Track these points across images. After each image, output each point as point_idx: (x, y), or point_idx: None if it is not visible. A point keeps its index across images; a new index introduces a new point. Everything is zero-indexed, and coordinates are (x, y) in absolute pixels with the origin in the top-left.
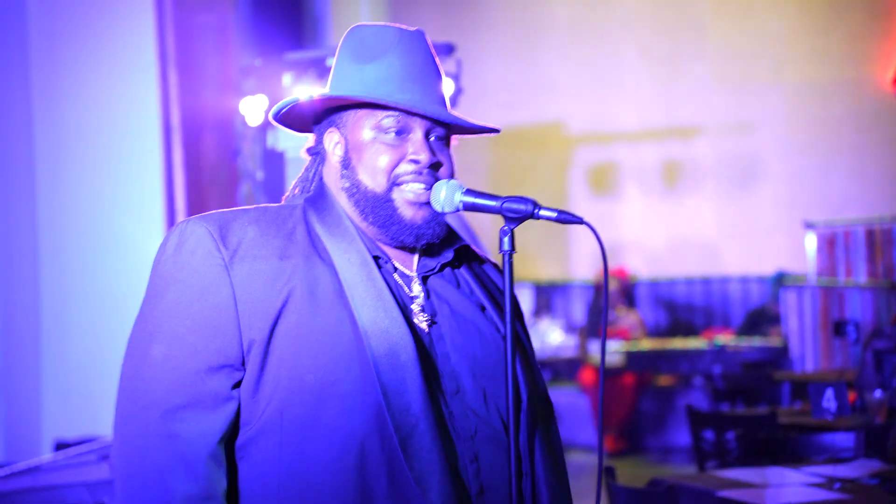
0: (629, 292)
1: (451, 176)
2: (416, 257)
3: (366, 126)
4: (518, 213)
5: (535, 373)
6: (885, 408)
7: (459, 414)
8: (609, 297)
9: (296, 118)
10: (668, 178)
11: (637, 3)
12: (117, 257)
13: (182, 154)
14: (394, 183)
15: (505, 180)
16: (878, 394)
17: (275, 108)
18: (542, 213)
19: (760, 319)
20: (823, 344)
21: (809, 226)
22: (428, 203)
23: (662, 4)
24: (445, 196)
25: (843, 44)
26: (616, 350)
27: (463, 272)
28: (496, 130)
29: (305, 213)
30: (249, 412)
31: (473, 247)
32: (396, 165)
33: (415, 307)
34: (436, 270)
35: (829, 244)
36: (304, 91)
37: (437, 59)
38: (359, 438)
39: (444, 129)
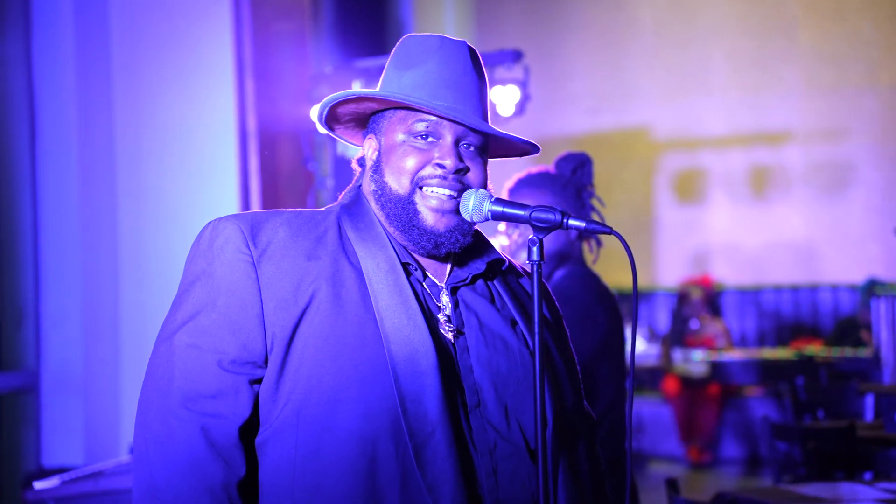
0: (714, 301)
1: (482, 185)
2: (448, 267)
3: (398, 130)
4: (547, 222)
5: (563, 390)
6: None
7: (478, 428)
8: (695, 305)
9: (349, 127)
10: (756, 184)
11: (725, 5)
12: None
13: (257, 160)
14: (417, 185)
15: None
16: None
17: (314, 116)
18: (571, 222)
19: (851, 329)
20: None
21: None
22: (453, 211)
23: (751, 6)
24: (474, 205)
25: None
26: (700, 360)
27: (497, 285)
28: (535, 147)
29: (339, 218)
30: (268, 410)
31: (510, 259)
32: (421, 168)
33: (441, 317)
34: (467, 281)
35: None
36: None
37: (478, 70)
38: (373, 443)
39: (480, 138)
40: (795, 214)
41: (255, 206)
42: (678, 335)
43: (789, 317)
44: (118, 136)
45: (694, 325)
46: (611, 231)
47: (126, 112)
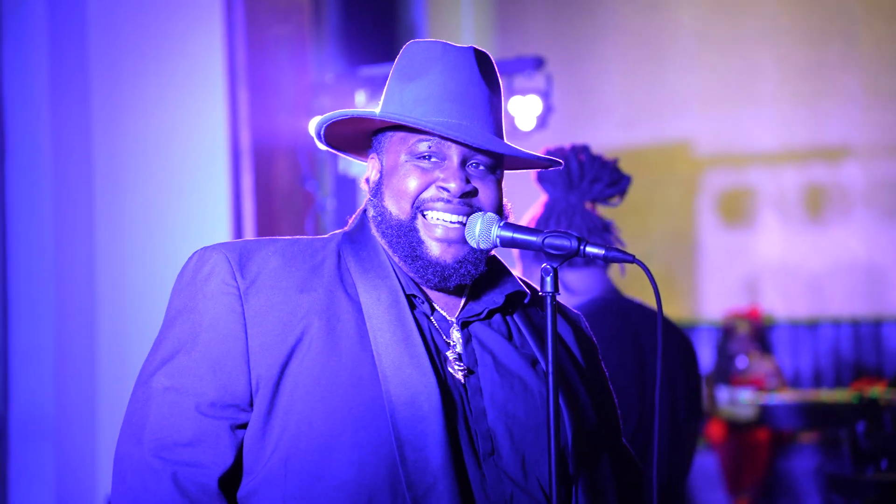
0: (763, 335)
1: (493, 206)
2: (462, 301)
3: (400, 150)
4: (561, 249)
5: (592, 438)
6: None
7: (493, 479)
8: (742, 340)
9: (354, 145)
10: (811, 205)
11: (776, 5)
12: None
13: (252, 179)
14: (418, 209)
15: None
16: None
17: (313, 133)
18: (589, 249)
19: None
20: None
21: None
22: (460, 240)
23: (806, 8)
24: (481, 230)
25: None
26: (748, 402)
27: (518, 320)
28: (557, 162)
29: (340, 246)
30: (254, 459)
31: (532, 290)
32: (423, 190)
33: (451, 355)
34: (481, 316)
35: None
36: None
37: (488, 78)
38: (367, 495)
39: (490, 157)
40: (856, 239)
41: (249, 229)
42: (723, 374)
43: (849, 354)
44: (96, 150)
45: (741, 362)
46: (633, 259)
47: (105, 125)
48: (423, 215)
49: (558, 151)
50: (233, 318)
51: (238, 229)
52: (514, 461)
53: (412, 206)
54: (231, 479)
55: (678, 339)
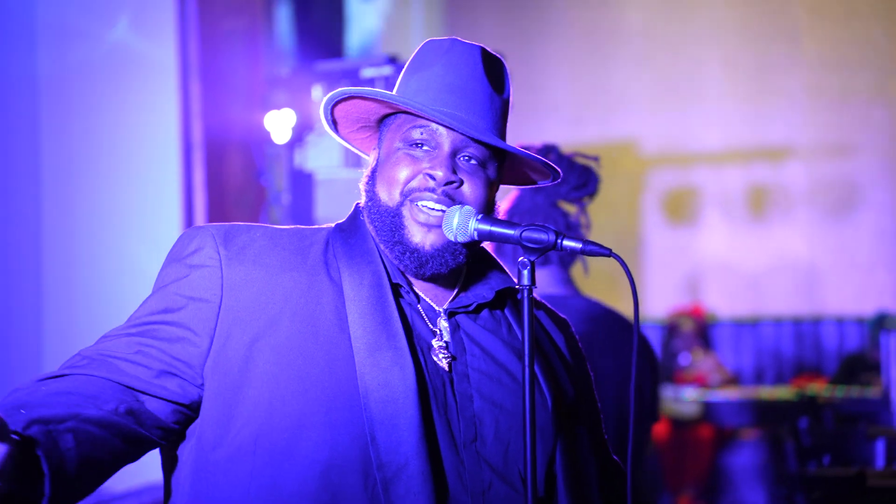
0: (706, 333)
1: (479, 202)
2: (453, 293)
3: (395, 138)
4: (538, 243)
5: (576, 436)
6: None
7: (472, 465)
8: (686, 338)
9: (364, 137)
10: (754, 204)
11: (722, 6)
12: (130, 289)
13: (203, 174)
14: (406, 197)
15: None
16: None
17: (325, 123)
18: (566, 243)
19: (858, 367)
20: None
21: None
22: (440, 227)
23: (751, 9)
24: (458, 223)
25: None
26: (691, 399)
27: (508, 316)
28: (554, 170)
29: (331, 234)
30: (222, 432)
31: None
32: (412, 178)
33: (435, 343)
34: (469, 309)
35: None
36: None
37: (492, 76)
38: (337, 473)
39: (484, 151)
40: (797, 238)
41: (200, 223)
42: (667, 371)
43: (790, 352)
44: (44, 143)
45: (684, 360)
46: (609, 253)
47: (54, 118)
48: (411, 202)
49: (527, 149)
50: (210, 289)
51: (189, 224)
52: (497, 450)
53: (400, 194)
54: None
55: (641, 340)
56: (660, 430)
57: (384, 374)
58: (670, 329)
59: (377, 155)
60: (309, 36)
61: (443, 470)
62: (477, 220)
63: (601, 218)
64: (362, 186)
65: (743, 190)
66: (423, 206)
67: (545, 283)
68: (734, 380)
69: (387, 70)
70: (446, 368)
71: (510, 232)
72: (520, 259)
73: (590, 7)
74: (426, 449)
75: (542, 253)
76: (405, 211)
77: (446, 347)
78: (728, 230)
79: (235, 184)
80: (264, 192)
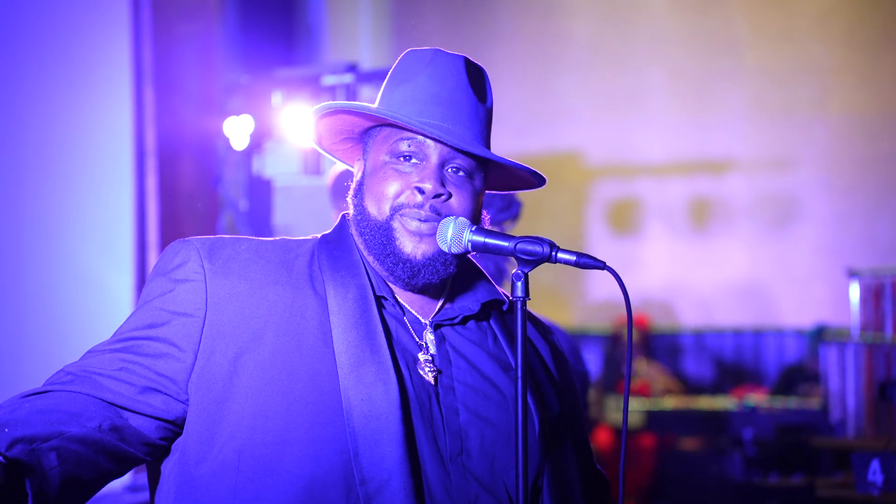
0: (650, 343)
1: (467, 213)
2: (438, 304)
3: (382, 150)
4: (533, 255)
5: (563, 450)
6: None
7: (458, 478)
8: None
9: (344, 148)
10: (696, 217)
11: (667, 21)
12: (79, 297)
13: (156, 180)
14: (395, 211)
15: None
16: None
17: (312, 135)
18: (560, 255)
19: (797, 378)
20: (867, 408)
21: (853, 274)
22: (432, 236)
23: (695, 24)
24: (452, 235)
25: (894, 74)
26: (635, 408)
27: (494, 328)
28: (539, 177)
29: (316, 246)
30: (205, 448)
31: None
32: (401, 193)
33: (421, 356)
34: (455, 321)
35: (876, 296)
36: (296, 111)
37: (476, 86)
38: (320, 488)
39: (471, 162)
40: (738, 251)
41: (153, 232)
42: (611, 381)
43: (730, 362)
44: None
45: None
46: (604, 266)
47: (4, 121)
48: (400, 216)
49: None
50: (194, 303)
51: (141, 230)
52: (483, 463)
53: (390, 209)
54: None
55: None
56: (603, 438)
57: (367, 389)
58: (614, 339)
59: (362, 167)
60: (257, 43)
61: (429, 484)
62: (471, 231)
63: (546, 227)
64: (350, 199)
65: (685, 202)
66: (413, 218)
67: None
68: (676, 389)
69: (348, 78)
70: (432, 382)
71: (505, 244)
72: (514, 271)
73: (535, 17)
74: (409, 464)
75: (537, 265)
76: (395, 223)
77: (432, 360)
78: (670, 241)
79: (189, 190)
80: (219, 198)
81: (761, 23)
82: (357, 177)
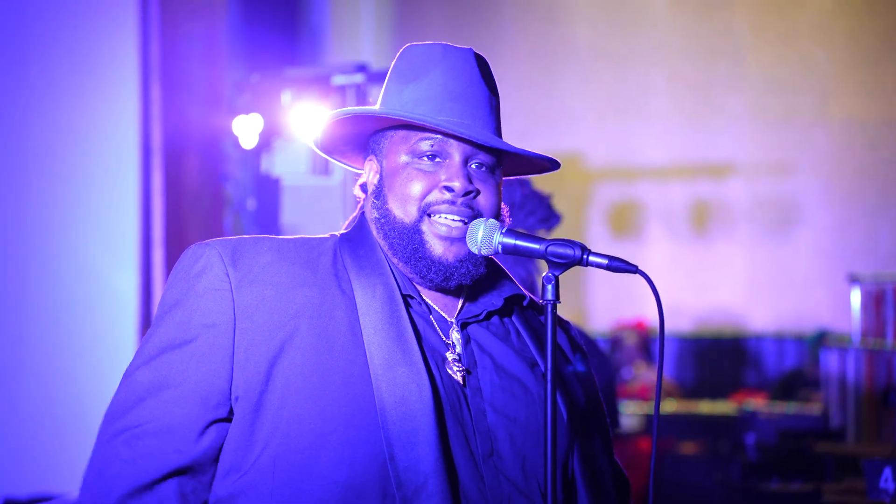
0: (649, 347)
1: (493, 209)
2: (460, 302)
3: (401, 151)
4: (564, 258)
5: (592, 447)
6: None
7: (491, 479)
8: (629, 351)
9: (345, 149)
10: (697, 220)
11: (669, 25)
12: (84, 295)
13: (162, 178)
14: (424, 212)
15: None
16: None
17: (315, 136)
18: (592, 259)
19: (797, 383)
20: (867, 413)
21: (854, 280)
22: (461, 240)
23: (697, 28)
24: (483, 236)
25: (895, 80)
26: (633, 412)
27: (517, 323)
28: (554, 162)
29: (338, 245)
30: (240, 456)
31: (531, 295)
32: (428, 193)
33: (449, 355)
34: (480, 318)
35: (877, 301)
36: (305, 110)
37: (487, 79)
38: (356, 492)
39: (491, 156)
40: (738, 255)
41: (158, 229)
42: None
43: (729, 367)
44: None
45: (627, 373)
46: (636, 270)
47: (11, 118)
48: (429, 217)
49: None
50: (222, 313)
51: (147, 228)
52: (515, 463)
53: (419, 210)
54: (201, 475)
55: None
56: None
57: (401, 390)
58: (613, 343)
59: (378, 169)
60: (263, 41)
61: (463, 487)
62: (501, 233)
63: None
64: (370, 203)
65: (686, 205)
66: (444, 220)
67: None
68: (676, 393)
69: (358, 78)
70: (461, 382)
71: (535, 247)
72: (545, 274)
73: (539, 19)
74: (445, 466)
75: (568, 268)
76: (424, 227)
77: (459, 360)
78: (671, 244)
79: (194, 188)
80: (226, 196)
81: (763, 27)
82: (373, 179)
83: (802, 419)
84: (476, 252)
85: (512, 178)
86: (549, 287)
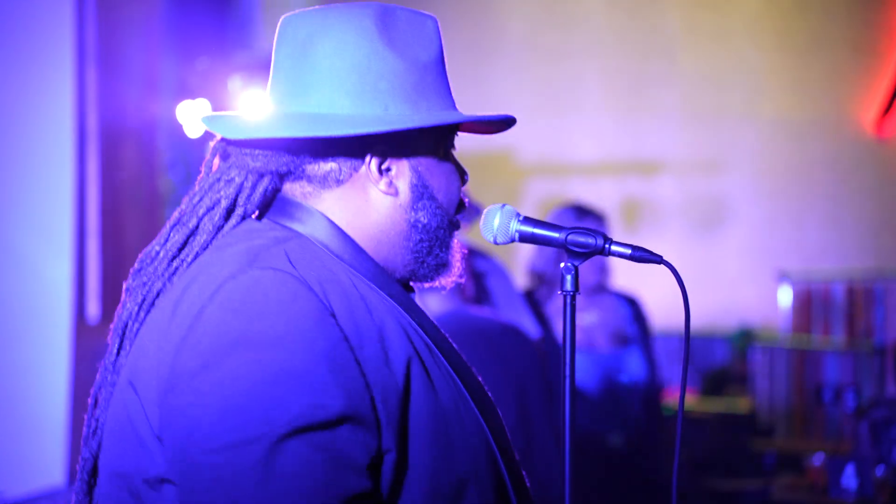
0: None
1: None
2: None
3: (440, 146)
4: (585, 247)
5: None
6: (888, 487)
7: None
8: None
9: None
10: (627, 218)
11: (602, 21)
12: (16, 283)
13: (98, 165)
14: (451, 220)
15: None
16: (880, 470)
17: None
18: (615, 248)
19: (724, 381)
20: (796, 410)
21: (782, 278)
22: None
23: (630, 25)
24: (500, 224)
25: (823, 79)
26: None
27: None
28: (511, 119)
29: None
30: None
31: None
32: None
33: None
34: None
35: (804, 299)
36: (253, 96)
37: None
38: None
39: None
40: (667, 252)
41: (93, 218)
42: None
43: (658, 365)
44: None
45: None
46: (661, 260)
47: None
48: (452, 226)
49: None
50: (346, 351)
51: (81, 216)
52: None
53: (455, 211)
54: None
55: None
56: None
57: (474, 406)
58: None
59: (408, 171)
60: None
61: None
62: (519, 221)
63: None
64: (409, 207)
65: (617, 202)
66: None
67: (438, 300)
68: None
69: None
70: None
71: (555, 235)
72: (563, 264)
73: (471, 13)
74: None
75: (588, 258)
76: (452, 231)
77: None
78: None
79: (131, 176)
80: (166, 185)
81: (694, 25)
82: (401, 185)
83: (733, 417)
84: (490, 240)
85: None
86: (569, 277)
